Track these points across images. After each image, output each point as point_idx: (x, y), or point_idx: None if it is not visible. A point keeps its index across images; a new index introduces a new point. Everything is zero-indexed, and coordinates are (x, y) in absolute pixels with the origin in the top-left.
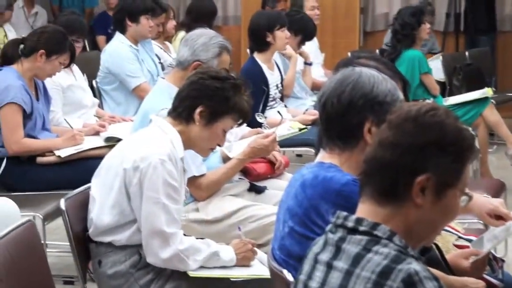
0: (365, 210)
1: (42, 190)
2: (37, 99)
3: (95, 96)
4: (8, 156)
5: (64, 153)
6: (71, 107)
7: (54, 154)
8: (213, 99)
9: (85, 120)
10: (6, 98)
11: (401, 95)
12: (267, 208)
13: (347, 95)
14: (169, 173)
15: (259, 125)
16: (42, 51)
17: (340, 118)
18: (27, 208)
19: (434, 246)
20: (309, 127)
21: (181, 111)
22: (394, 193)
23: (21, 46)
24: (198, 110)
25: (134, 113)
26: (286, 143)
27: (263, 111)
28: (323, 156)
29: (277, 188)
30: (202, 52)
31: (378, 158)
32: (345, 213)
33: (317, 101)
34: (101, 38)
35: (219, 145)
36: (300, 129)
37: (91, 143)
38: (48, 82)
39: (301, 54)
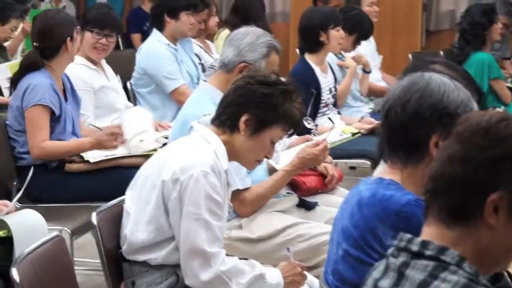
0: (431, 232)
1: (71, 202)
2: (66, 100)
3: (129, 99)
4: (34, 163)
5: (93, 157)
6: (103, 110)
7: (84, 161)
8: (260, 107)
9: None
10: (33, 99)
11: (475, 107)
12: (318, 226)
13: (413, 104)
14: (212, 187)
15: (308, 131)
16: (68, 38)
17: (404, 129)
18: (54, 221)
19: (506, 274)
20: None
21: (225, 119)
22: (464, 213)
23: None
24: (243, 118)
25: (172, 119)
26: (338, 154)
27: (313, 118)
28: (383, 171)
29: (329, 204)
30: (248, 53)
31: (447, 175)
32: (409, 235)
33: (380, 108)
34: (136, 36)
35: (267, 157)
36: (353, 134)
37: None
38: (78, 82)
39: (358, 60)
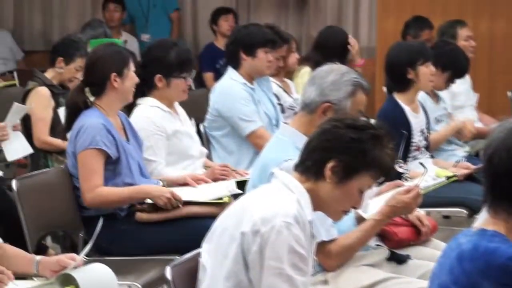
0: None
1: (142, 254)
2: (127, 139)
3: (202, 143)
4: (103, 213)
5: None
6: (175, 156)
7: (155, 210)
8: (348, 152)
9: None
10: (84, 143)
11: None
12: (412, 282)
13: None
14: (296, 239)
15: (399, 176)
16: (113, 74)
17: (509, 176)
18: (125, 275)
19: None
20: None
21: (309, 165)
22: None
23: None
24: (329, 164)
25: (248, 164)
26: (431, 202)
27: (404, 162)
28: (486, 221)
29: (422, 257)
30: (332, 92)
31: None
32: None
33: (477, 151)
34: (208, 75)
35: (355, 208)
36: (448, 178)
37: (191, 193)
38: (150, 126)
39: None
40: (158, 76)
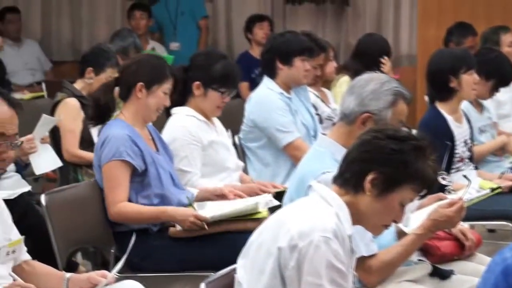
0: None
1: (175, 271)
2: (157, 150)
3: (237, 155)
4: (134, 228)
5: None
6: (211, 168)
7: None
8: (389, 164)
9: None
10: (108, 154)
11: None
12: None
13: None
14: (335, 254)
15: (441, 188)
16: (140, 84)
17: None
18: None
19: None
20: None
21: (348, 178)
22: None
23: (116, 88)
24: (369, 177)
25: (285, 177)
26: (475, 215)
27: (447, 174)
28: None
29: (466, 273)
30: (372, 101)
31: None
32: None
33: None
34: (243, 85)
35: (395, 222)
36: (493, 189)
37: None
38: (185, 136)
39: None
40: (197, 83)
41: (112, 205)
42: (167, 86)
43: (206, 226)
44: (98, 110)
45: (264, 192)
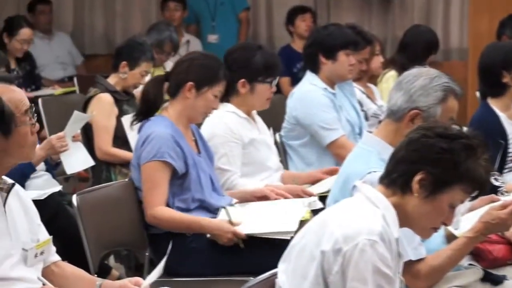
0: None
1: (213, 275)
2: (199, 152)
3: (278, 153)
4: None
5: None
6: (252, 167)
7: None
8: (438, 164)
9: None
10: (149, 153)
11: None
12: None
13: None
14: (381, 258)
15: (494, 190)
16: (190, 83)
17: None
18: None
19: None
20: None
21: (395, 178)
22: None
23: (166, 84)
24: (417, 177)
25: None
26: None
27: (500, 174)
28: None
29: None
30: (420, 97)
31: None
32: None
33: None
34: (285, 80)
35: (445, 224)
36: None
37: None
38: (225, 132)
39: None
40: (242, 81)
41: (149, 208)
42: (218, 89)
43: (242, 245)
44: (146, 105)
45: (307, 195)
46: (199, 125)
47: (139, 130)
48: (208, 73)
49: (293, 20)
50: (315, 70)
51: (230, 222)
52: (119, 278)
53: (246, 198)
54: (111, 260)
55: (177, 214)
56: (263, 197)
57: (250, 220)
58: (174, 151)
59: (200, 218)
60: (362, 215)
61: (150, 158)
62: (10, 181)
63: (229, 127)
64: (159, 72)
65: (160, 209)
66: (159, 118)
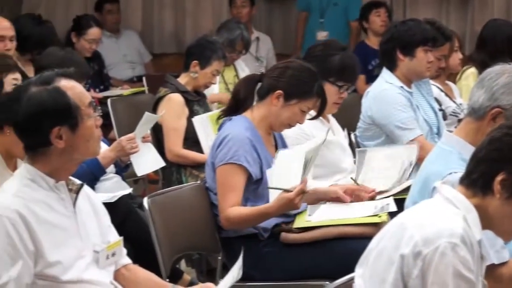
0: None
1: (287, 280)
2: None
3: (353, 153)
4: (243, 234)
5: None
6: (325, 169)
7: (302, 231)
8: None
9: None
10: (224, 156)
11: None
12: None
13: None
14: (463, 262)
15: None
16: (279, 91)
17: None
18: None
19: None
20: None
21: (476, 178)
22: None
23: (259, 84)
24: (499, 178)
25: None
26: None
27: None
28: None
29: None
30: (503, 96)
31: None
32: None
33: None
34: (360, 78)
35: None
36: None
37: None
38: (299, 134)
39: None
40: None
41: (221, 212)
42: (308, 105)
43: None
44: (235, 103)
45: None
46: None
47: (219, 128)
48: (300, 86)
49: (367, 16)
50: (392, 67)
51: (286, 191)
52: (190, 282)
53: (318, 198)
54: (182, 264)
55: (244, 210)
56: (337, 199)
57: (325, 214)
58: (250, 156)
59: (262, 207)
60: (443, 217)
61: (226, 160)
62: (78, 182)
63: (301, 128)
64: (229, 71)
65: (231, 210)
66: (241, 119)
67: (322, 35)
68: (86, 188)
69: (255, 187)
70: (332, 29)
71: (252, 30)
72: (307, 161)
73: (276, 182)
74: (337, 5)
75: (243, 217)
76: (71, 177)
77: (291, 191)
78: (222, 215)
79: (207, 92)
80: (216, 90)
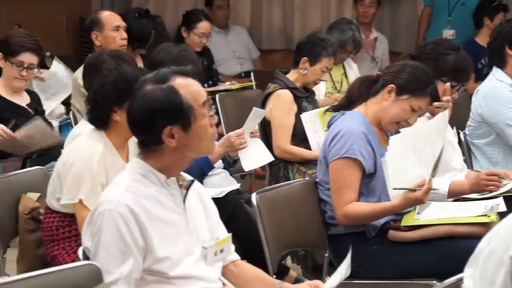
0: None
1: (394, 278)
2: None
3: (462, 152)
4: (351, 231)
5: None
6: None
7: (411, 229)
8: None
9: None
10: (339, 151)
11: None
12: None
13: None
14: None
15: None
16: (392, 85)
17: None
18: None
19: None
20: None
21: None
22: None
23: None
24: None
25: None
26: None
27: None
28: None
29: None
30: None
31: None
32: None
33: None
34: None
35: None
36: None
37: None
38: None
39: None
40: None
41: (338, 208)
42: (419, 103)
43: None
44: (348, 99)
45: (493, 186)
46: None
47: (330, 122)
48: (415, 82)
49: (492, 17)
50: (501, 64)
51: (411, 190)
52: (296, 279)
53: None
54: (288, 261)
55: (365, 207)
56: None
57: (436, 212)
58: (365, 150)
59: (387, 205)
60: None
61: (340, 154)
62: (189, 177)
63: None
64: (337, 70)
65: (350, 206)
66: (355, 113)
67: (448, 33)
68: (196, 184)
69: (368, 181)
70: (460, 28)
71: (372, 30)
72: (437, 160)
73: (395, 182)
74: (464, 4)
75: (364, 213)
76: (182, 173)
77: (415, 190)
78: (339, 212)
79: (315, 89)
80: (323, 88)
